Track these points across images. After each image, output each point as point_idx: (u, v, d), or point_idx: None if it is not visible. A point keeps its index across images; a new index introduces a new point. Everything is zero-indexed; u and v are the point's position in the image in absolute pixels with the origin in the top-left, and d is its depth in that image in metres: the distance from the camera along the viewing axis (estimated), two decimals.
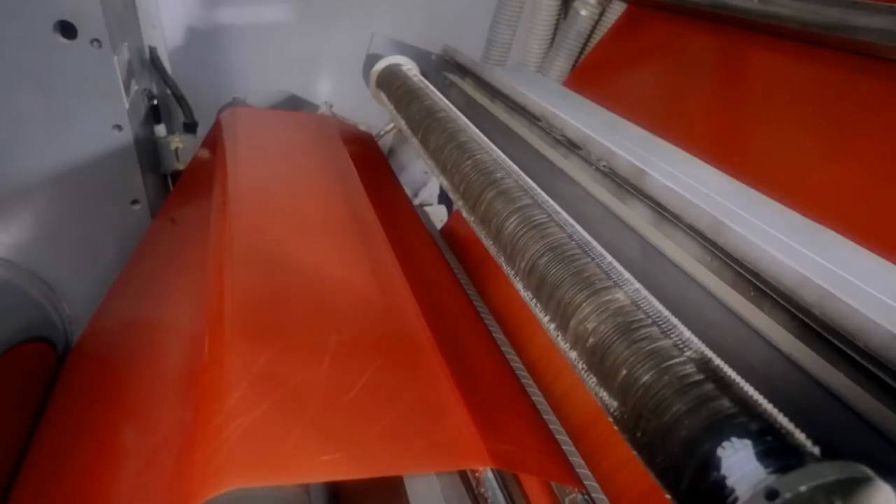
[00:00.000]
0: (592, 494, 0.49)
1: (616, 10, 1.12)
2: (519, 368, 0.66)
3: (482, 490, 0.44)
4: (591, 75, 1.07)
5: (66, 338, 0.87)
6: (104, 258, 0.88)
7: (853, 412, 0.34)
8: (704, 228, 0.45)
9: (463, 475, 0.47)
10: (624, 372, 0.35)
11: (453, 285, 0.75)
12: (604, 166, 0.61)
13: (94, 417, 0.60)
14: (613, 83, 1.00)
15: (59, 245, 0.85)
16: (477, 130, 0.72)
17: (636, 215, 0.56)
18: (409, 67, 1.02)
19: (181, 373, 0.49)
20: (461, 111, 1.01)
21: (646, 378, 0.34)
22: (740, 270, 0.43)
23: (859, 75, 0.67)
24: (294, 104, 1.29)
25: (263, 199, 0.69)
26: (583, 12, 1.13)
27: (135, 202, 0.88)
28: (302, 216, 0.67)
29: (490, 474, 0.44)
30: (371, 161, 1.02)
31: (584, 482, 0.50)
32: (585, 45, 1.17)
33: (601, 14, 1.14)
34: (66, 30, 0.73)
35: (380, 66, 1.04)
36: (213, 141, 0.93)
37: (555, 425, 0.57)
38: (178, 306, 0.62)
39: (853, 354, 0.34)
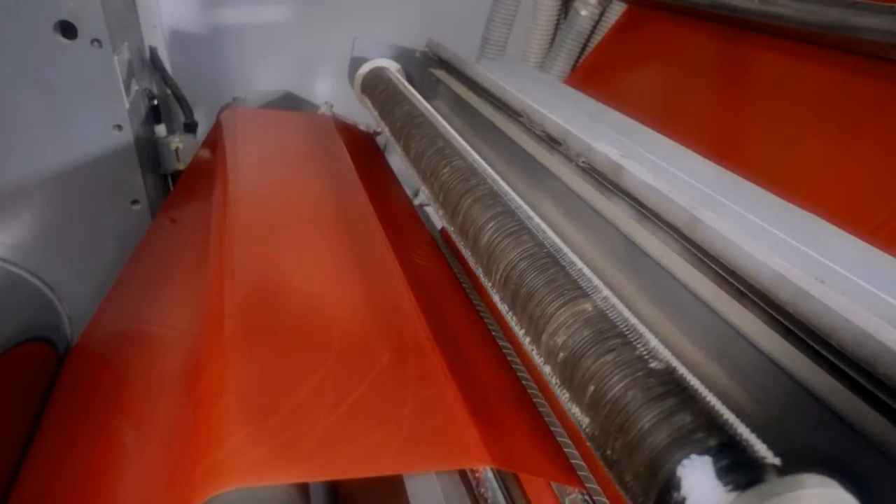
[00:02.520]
0: (593, 495, 0.49)
1: (616, 10, 1.12)
2: (519, 368, 0.66)
3: (482, 490, 0.44)
4: (591, 75, 1.07)
5: (67, 338, 0.87)
6: (104, 258, 0.88)
7: (834, 412, 0.34)
8: (681, 225, 0.45)
9: (463, 475, 0.47)
10: (592, 388, 0.35)
11: (453, 285, 0.75)
12: (583, 162, 0.60)
13: (94, 417, 0.60)
14: (614, 83, 1.00)
15: (60, 245, 0.85)
16: (455, 134, 0.70)
17: (620, 212, 0.55)
18: (392, 70, 1.02)
19: (181, 373, 0.49)
20: (450, 108, 1.00)
21: (611, 394, 0.33)
22: (716, 269, 0.43)
23: (859, 75, 0.67)
24: (294, 104, 1.29)
25: (263, 200, 0.69)
26: (583, 12, 1.13)
27: (135, 202, 0.88)
28: (302, 216, 0.67)
29: (490, 474, 0.44)
30: (371, 161, 1.02)
31: (585, 482, 0.50)
32: (585, 45, 1.18)
33: (601, 14, 1.14)
34: (67, 30, 0.73)
35: (362, 70, 1.03)
36: (213, 141, 0.93)
37: (555, 425, 0.57)
38: (179, 306, 0.62)
39: (825, 353, 0.34)
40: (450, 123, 0.97)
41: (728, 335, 0.41)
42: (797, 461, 0.34)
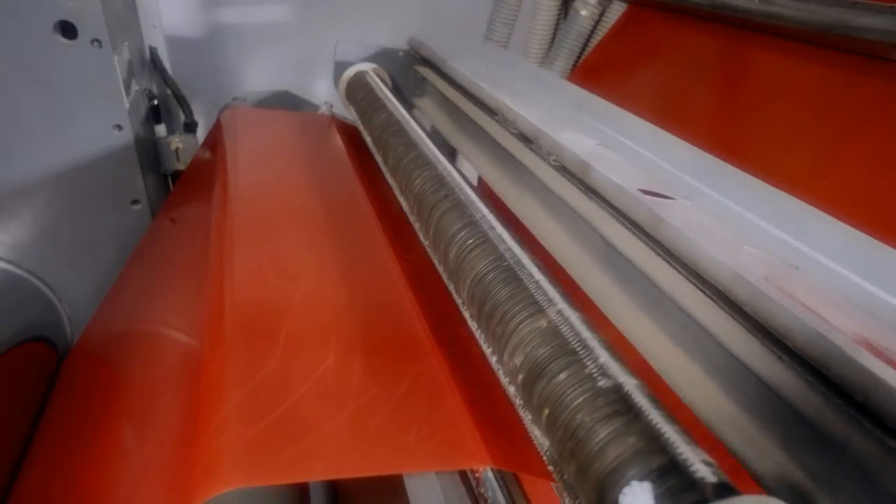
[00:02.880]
0: None
1: (616, 11, 1.12)
2: None
3: (482, 490, 0.44)
4: (591, 75, 1.07)
5: (67, 338, 0.87)
6: (104, 258, 0.88)
7: (799, 413, 0.33)
8: (644, 224, 0.44)
9: (463, 475, 0.47)
10: (547, 410, 0.34)
11: None
12: (553, 161, 0.59)
13: (94, 417, 0.60)
14: (614, 83, 1.00)
15: (59, 245, 0.85)
16: (427, 141, 0.70)
17: (594, 210, 0.54)
18: (372, 74, 1.01)
19: (181, 373, 0.49)
20: (437, 105, 0.99)
21: (562, 417, 0.33)
22: (678, 268, 0.42)
23: (859, 75, 0.67)
24: (294, 104, 1.29)
25: (263, 199, 0.69)
26: (583, 12, 1.13)
27: (135, 202, 0.88)
28: (302, 216, 0.67)
29: (490, 474, 0.44)
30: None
31: None
32: (586, 45, 1.17)
33: (601, 14, 1.14)
34: (67, 30, 0.73)
35: (345, 77, 1.02)
36: (213, 141, 0.93)
37: None
38: (179, 306, 0.62)
39: (781, 354, 0.34)
40: (436, 122, 0.96)
41: (700, 333, 0.40)
42: (775, 472, 0.33)
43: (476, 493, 0.44)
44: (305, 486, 0.46)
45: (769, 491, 0.33)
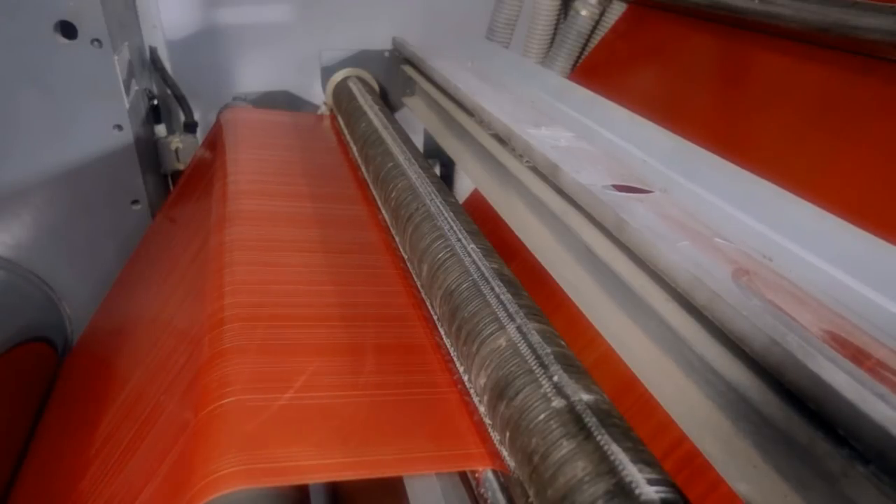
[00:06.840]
0: None
1: (616, 10, 1.12)
2: None
3: (482, 490, 0.44)
4: (591, 75, 1.07)
5: (67, 338, 0.87)
6: (104, 258, 0.88)
7: (763, 416, 0.32)
8: (610, 226, 0.44)
9: (463, 475, 0.47)
10: (508, 433, 0.34)
11: None
12: (526, 162, 0.59)
13: (94, 418, 0.60)
14: (614, 83, 1.00)
15: (60, 245, 0.85)
16: (404, 149, 0.69)
17: (572, 212, 0.53)
18: (355, 79, 1.01)
19: (181, 373, 0.49)
20: (425, 104, 0.99)
21: (519, 442, 0.33)
22: (644, 271, 0.42)
23: (859, 75, 0.67)
24: (294, 104, 1.29)
25: (263, 200, 0.69)
26: (583, 12, 1.13)
27: (135, 202, 0.88)
28: (302, 216, 0.67)
29: (490, 475, 0.44)
30: None
31: None
32: (586, 45, 1.17)
33: (601, 14, 1.14)
34: (67, 30, 0.73)
35: (330, 86, 1.03)
36: (213, 141, 0.93)
37: None
38: (179, 306, 0.62)
39: (739, 359, 0.33)
40: (426, 122, 0.96)
41: (673, 335, 0.40)
42: (751, 474, 0.33)
43: (476, 493, 0.44)
44: (306, 487, 0.46)
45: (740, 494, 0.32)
